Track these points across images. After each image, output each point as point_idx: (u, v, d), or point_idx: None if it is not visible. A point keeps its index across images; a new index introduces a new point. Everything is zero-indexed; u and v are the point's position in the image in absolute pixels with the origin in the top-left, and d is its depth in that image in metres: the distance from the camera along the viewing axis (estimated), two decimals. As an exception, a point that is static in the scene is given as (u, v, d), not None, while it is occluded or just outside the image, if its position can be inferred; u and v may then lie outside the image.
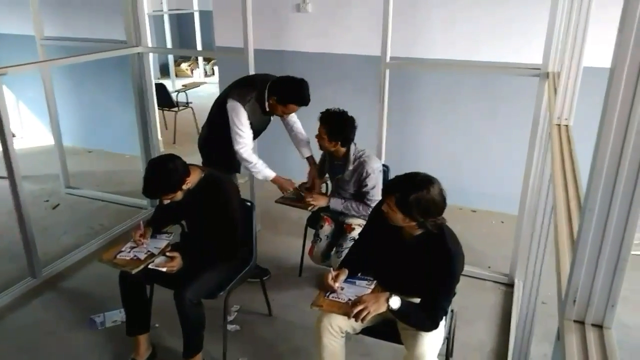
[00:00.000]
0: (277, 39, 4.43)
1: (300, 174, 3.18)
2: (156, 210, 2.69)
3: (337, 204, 2.83)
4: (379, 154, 3.25)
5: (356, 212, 2.80)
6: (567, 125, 1.96)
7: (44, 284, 3.22)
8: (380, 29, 3.02)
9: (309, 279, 3.26)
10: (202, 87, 8.07)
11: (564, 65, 2.04)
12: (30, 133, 6.11)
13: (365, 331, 2.16)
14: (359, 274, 2.17)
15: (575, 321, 0.94)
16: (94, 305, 2.99)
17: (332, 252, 2.92)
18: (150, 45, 4.12)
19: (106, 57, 3.82)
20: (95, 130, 5.68)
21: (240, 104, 2.78)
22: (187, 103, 6.53)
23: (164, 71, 9.93)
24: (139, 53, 3.81)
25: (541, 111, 2.79)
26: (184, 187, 2.29)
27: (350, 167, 2.76)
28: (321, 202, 2.89)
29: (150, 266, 2.30)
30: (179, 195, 2.30)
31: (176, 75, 9.83)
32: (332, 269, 2.13)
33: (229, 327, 2.78)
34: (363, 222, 2.71)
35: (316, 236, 2.94)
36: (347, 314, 1.92)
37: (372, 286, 2.08)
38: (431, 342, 1.96)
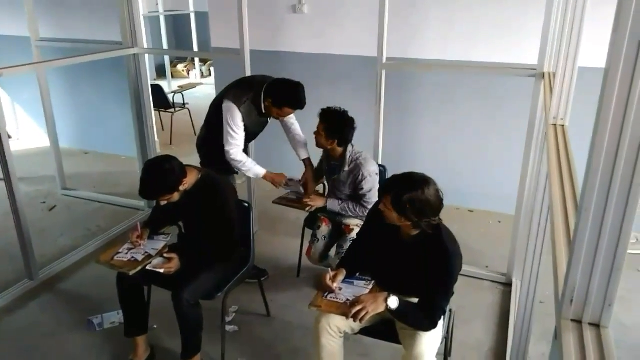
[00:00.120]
0: (273, 40, 4.43)
1: (297, 175, 3.18)
2: (153, 211, 2.69)
3: (334, 204, 2.84)
4: (376, 155, 3.25)
5: (353, 213, 2.80)
6: (563, 125, 1.97)
7: (41, 285, 3.21)
8: (376, 30, 3.02)
9: (307, 279, 3.26)
10: (198, 88, 8.06)
11: (560, 65, 2.06)
12: (26, 135, 6.09)
13: (364, 331, 2.16)
14: (357, 274, 2.17)
15: (572, 320, 0.94)
16: (91, 306, 2.98)
17: (333, 254, 2.92)
18: (146, 46, 4.12)
19: (102, 59, 3.82)
20: (92, 132, 5.67)
21: (236, 105, 2.78)
22: (184, 104, 6.53)
23: (160, 72, 9.91)
24: (135, 54, 3.81)
25: (537, 111, 2.80)
26: (181, 188, 2.28)
27: (346, 168, 2.77)
28: (318, 202, 2.90)
29: (147, 267, 2.30)
30: (175, 197, 2.30)
31: (172, 77, 9.81)
32: (330, 269, 2.13)
33: (227, 327, 2.78)
34: (361, 223, 2.71)
35: (314, 237, 2.94)
36: (345, 314, 1.92)
37: (370, 286, 2.09)
38: (429, 342, 1.97)
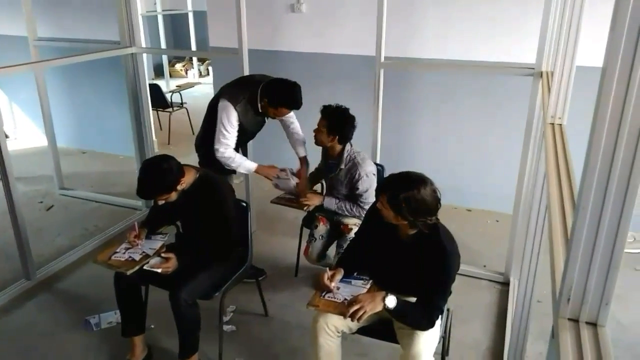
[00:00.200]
0: (271, 39, 4.42)
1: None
2: (151, 211, 2.69)
3: (330, 203, 2.84)
4: (374, 154, 3.25)
5: (349, 212, 2.80)
6: (560, 124, 1.97)
7: (39, 285, 3.21)
8: (374, 29, 3.02)
9: (305, 279, 3.26)
10: (196, 88, 8.06)
11: (557, 64, 2.06)
12: (24, 134, 6.08)
13: (362, 331, 2.16)
14: (355, 274, 2.17)
15: (569, 319, 0.94)
16: (89, 306, 2.98)
17: (333, 254, 2.92)
18: (144, 45, 4.12)
19: (100, 58, 3.81)
20: (89, 131, 5.66)
21: (232, 104, 2.77)
22: (182, 103, 6.52)
23: (158, 72, 9.89)
24: (132, 53, 3.80)
25: (535, 110, 2.80)
26: (179, 187, 2.28)
27: (343, 166, 2.76)
28: (315, 201, 2.90)
29: (145, 267, 2.30)
30: (173, 196, 2.29)
31: (170, 76, 9.80)
32: (327, 268, 2.13)
33: (225, 327, 2.77)
34: (359, 222, 2.71)
35: (311, 236, 2.94)
36: (343, 314, 1.92)
37: (368, 286, 2.08)
38: (427, 341, 1.97)
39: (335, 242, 2.93)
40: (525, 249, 2.20)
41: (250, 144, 3.38)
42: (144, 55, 3.97)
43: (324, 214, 2.92)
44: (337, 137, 2.72)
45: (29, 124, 6.00)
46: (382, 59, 3.07)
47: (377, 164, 3.03)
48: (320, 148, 2.94)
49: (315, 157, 3.09)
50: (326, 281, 2.04)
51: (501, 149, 3.98)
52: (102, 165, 5.39)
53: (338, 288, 2.07)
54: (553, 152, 1.64)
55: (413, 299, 2.00)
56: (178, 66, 10.22)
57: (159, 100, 6.19)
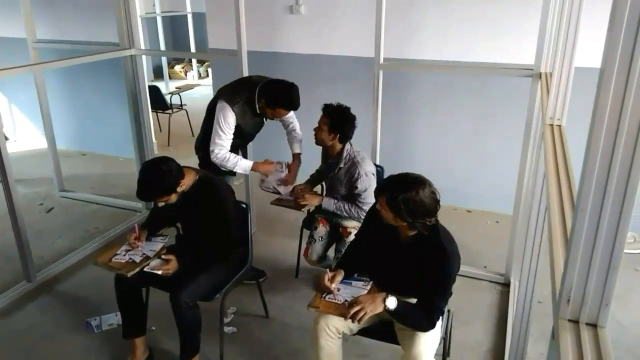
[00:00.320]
0: (270, 41, 4.43)
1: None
2: (151, 212, 2.69)
3: (329, 204, 2.83)
4: (374, 155, 3.25)
5: (348, 213, 2.79)
6: (559, 125, 1.97)
7: (39, 287, 3.20)
8: (373, 30, 3.03)
9: (306, 280, 3.26)
10: (195, 89, 8.05)
11: (556, 65, 2.06)
12: (24, 136, 6.08)
13: (362, 332, 2.16)
14: (355, 275, 2.17)
15: (569, 320, 0.94)
16: (89, 308, 2.98)
17: (332, 257, 2.92)
18: (143, 47, 4.12)
19: (99, 60, 3.81)
20: (89, 133, 5.66)
21: (229, 105, 2.77)
22: (181, 105, 6.52)
23: (158, 73, 9.90)
24: (132, 55, 3.80)
25: (534, 111, 2.80)
26: (179, 189, 2.28)
27: (342, 165, 2.76)
28: (313, 201, 2.90)
29: (145, 269, 2.30)
30: (173, 198, 2.29)
31: (170, 78, 9.82)
32: (328, 270, 2.13)
33: (226, 329, 2.77)
34: (359, 225, 2.71)
35: (311, 237, 2.94)
36: (343, 315, 1.92)
37: (369, 287, 2.08)
38: (428, 342, 1.97)
39: (334, 245, 2.93)
40: (526, 249, 2.20)
41: (249, 144, 3.38)
42: (143, 57, 3.97)
43: (324, 215, 2.92)
44: (338, 135, 2.72)
45: (28, 126, 6.00)
46: (381, 60, 3.08)
47: (376, 165, 3.03)
48: (320, 150, 2.94)
49: (315, 159, 3.09)
50: (327, 282, 2.04)
51: (500, 149, 3.98)
52: (102, 167, 5.39)
53: (338, 289, 2.07)
54: (552, 153, 1.64)
55: (413, 300, 2.01)
56: (177, 68, 10.22)
57: (159, 102, 6.19)
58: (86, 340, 2.75)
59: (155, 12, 9.36)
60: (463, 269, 2.67)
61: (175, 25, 10.22)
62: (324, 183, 3.15)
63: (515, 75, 3.12)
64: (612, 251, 0.88)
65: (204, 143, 3.03)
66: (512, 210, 3.18)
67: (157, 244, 2.46)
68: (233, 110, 2.78)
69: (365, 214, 2.57)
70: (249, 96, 2.81)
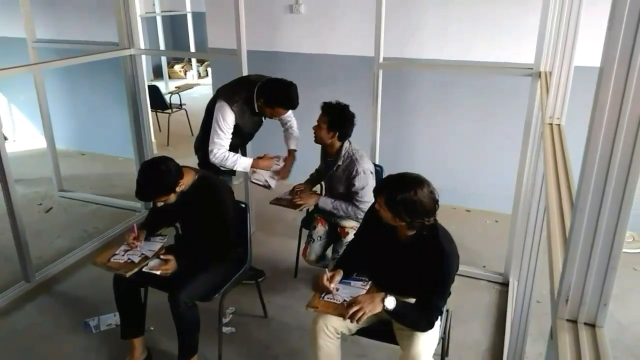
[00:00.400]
0: (270, 40, 4.42)
1: (296, 175, 3.17)
2: (150, 212, 2.68)
3: (326, 203, 2.83)
4: (373, 155, 3.25)
5: (345, 212, 2.79)
6: (559, 125, 1.97)
7: (38, 287, 3.20)
8: (373, 30, 3.02)
9: (305, 280, 3.25)
10: (195, 89, 8.06)
11: (556, 64, 2.06)
12: (23, 136, 6.07)
13: (361, 332, 2.16)
14: (354, 275, 2.17)
15: (568, 320, 0.94)
16: (88, 308, 2.97)
17: (330, 258, 2.92)
18: (143, 47, 4.12)
19: (99, 59, 3.81)
20: (88, 133, 5.66)
21: (228, 105, 2.77)
22: (181, 105, 6.52)
23: (157, 73, 9.90)
24: (131, 55, 3.80)
25: (534, 111, 2.80)
26: (178, 189, 2.28)
27: (340, 163, 2.76)
28: (310, 201, 2.89)
29: (144, 269, 2.29)
30: (172, 198, 2.29)
31: (169, 77, 9.81)
32: (327, 269, 2.13)
33: (224, 329, 2.77)
34: (357, 225, 2.70)
35: (309, 237, 2.94)
36: (342, 315, 1.92)
37: (367, 287, 2.08)
38: (427, 342, 1.96)
39: (332, 245, 2.93)
40: (525, 249, 2.20)
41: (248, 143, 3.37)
42: (143, 56, 3.97)
43: (322, 214, 2.92)
44: (337, 133, 2.72)
45: (28, 125, 5.99)
46: (381, 60, 3.08)
47: (376, 165, 3.02)
48: (320, 149, 2.94)
49: (315, 158, 3.08)
50: (325, 282, 2.04)
51: (500, 149, 3.98)
52: (101, 167, 5.39)
53: (337, 289, 2.06)
54: (552, 153, 1.64)
55: (412, 300, 2.00)
56: (177, 67, 10.22)
57: (158, 101, 6.18)
58: (85, 340, 2.75)
59: (155, 12, 9.36)
60: (462, 268, 2.67)
61: (175, 24, 10.23)
62: (323, 183, 3.15)
63: (515, 75, 3.12)
64: (610, 250, 0.87)
65: (203, 143, 3.03)
66: (511, 209, 3.17)
67: (156, 244, 2.45)
68: (232, 110, 2.78)
69: (362, 214, 2.58)
70: (248, 95, 2.80)
